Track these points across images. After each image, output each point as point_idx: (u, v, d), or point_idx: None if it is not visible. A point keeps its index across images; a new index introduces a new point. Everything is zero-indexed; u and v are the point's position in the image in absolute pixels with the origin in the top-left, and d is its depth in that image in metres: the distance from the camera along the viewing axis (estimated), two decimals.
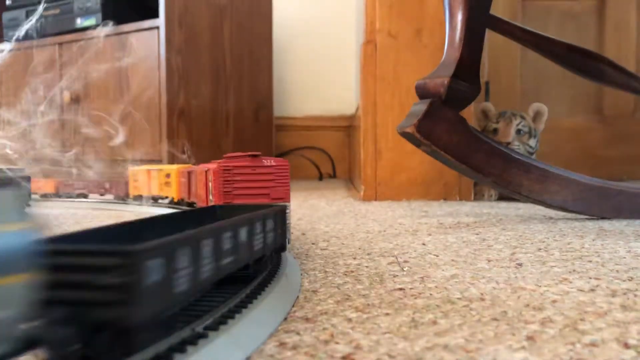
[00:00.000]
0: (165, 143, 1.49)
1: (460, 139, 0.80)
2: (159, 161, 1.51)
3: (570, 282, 0.45)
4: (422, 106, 0.79)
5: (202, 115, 1.58)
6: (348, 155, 2.19)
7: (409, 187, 1.20)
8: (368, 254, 0.58)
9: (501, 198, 1.22)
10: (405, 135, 0.80)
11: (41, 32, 1.76)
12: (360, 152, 1.22)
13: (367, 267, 0.51)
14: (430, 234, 0.71)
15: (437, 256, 0.56)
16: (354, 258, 0.56)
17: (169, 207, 0.99)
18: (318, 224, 0.82)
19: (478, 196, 1.21)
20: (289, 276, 0.42)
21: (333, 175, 2.24)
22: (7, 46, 1.83)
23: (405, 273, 0.49)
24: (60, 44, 1.72)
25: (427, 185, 1.20)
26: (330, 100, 2.26)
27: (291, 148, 2.26)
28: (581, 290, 0.42)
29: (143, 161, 1.54)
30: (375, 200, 1.19)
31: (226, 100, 1.65)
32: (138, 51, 1.55)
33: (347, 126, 2.22)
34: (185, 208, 0.94)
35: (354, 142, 1.76)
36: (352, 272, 0.49)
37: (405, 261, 0.54)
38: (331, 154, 2.25)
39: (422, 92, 0.82)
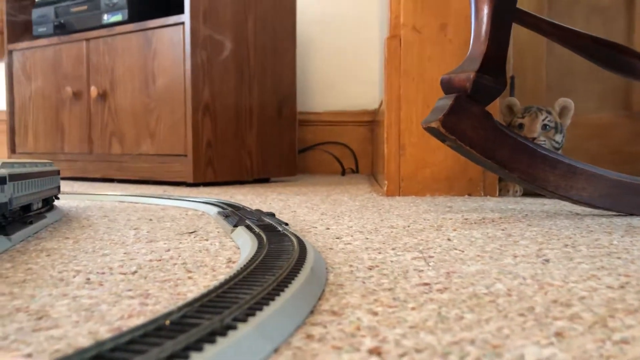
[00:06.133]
0: (191, 138, 1.50)
1: (485, 134, 0.79)
2: (184, 156, 1.52)
3: (599, 279, 0.44)
4: (447, 101, 0.79)
5: (226, 110, 1.59)
6: (371, 150, 2.19)
7: (432, 183, 1.19)
8: (393, 249, 0.58)
9: (526, 194, 1.21)
10: (430, 130, 0.79)
11: (69, 29, 1.79)
12: (384, 147, 1.21)
13: (392, 261, 0.51)
14: (455, 230, 0.71)
15: (463, 251, 0.56)
16: (379, 252, 0.56)
17: (199, 202, 1.00)
18: (342, 219, 0.82)
19: (503, 192, 1.20)
20: (315, 270, 0.43)
21: (356, 171, 2.24)
22: (36, 42, 1.86)
23: (430, 268, 0.49)
24: (88, 40, 1.74)
25: (451, 180, 1.19)
26: (353, 95, 2.26)
27: (314, 143, 2.26)
28: (610, 287, 0.42)
29: (167, 156, 1.56)
30: (399, 195, 1.19)
31: (250, 95, 1.66)
32: (163, 47, 1.56)
33: (370, 121, 2.21)
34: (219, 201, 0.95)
35: (377, 137, 1.75)
36: (377, 266, 0.49)
37: (430, 256, 0.54)
38: (354, 149, 2.24)
39: (448, 87, 0.82)
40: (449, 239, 0.64)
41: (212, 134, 1.55)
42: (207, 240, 0.64)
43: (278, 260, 0.44)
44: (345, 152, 2.25)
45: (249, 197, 1.19)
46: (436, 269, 0.48)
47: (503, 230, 0.70)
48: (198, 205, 0.96)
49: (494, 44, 0.81)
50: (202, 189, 1.43)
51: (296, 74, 1.85)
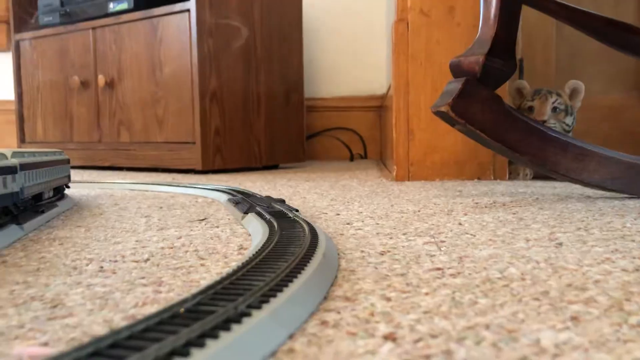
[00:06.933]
0: (199, 125, 1.50)
1: (495, 117, 0.79)
2: (192, 143, 1.52)
3: (613, 262, 0.44)
4: (456, 85, 0.78)
5: (234, 97, 1.58)
6: (379, 135, 2.18)
7: (442, 167, 1.19)
8: (404, 234, 0.57)
9: (536, 177, 1.20)
10: (439, 114, 0.79)
11: (75, 18, 1.78)
12: (392, 132, 1.21)
13: (403, 246, 0.51)
14: (466, 214, 0.70)
15: (474, 236, 0.56)
16: (390, 238, 0.55)
17: (209, 189, 1.00)
18: (352, 204, 0.82)
19: (513, 175, 1.20)
20: (327, 256, 0.42)
21: (364, 156, 2.23)
22: (42, 31, 1.86)
23: (442, 253, 0.48)
24: (94, 28, 1.74)
25: (460, 164, 1.18)
26: (361, 81, 2.24)
27: (322, 129, 2.25)
28: (625, 270, 0.41)
29: (175, 143, 1.56)
30: (408, 180, 1.18)
31: (257, 82, 1.65)
32: (170, 34, 1.55)
33: (378, 106, 2.20)
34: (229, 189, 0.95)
35: (385, 122, 1.74)
36: (388, 251, 0.49)
37: (442, 241, 0.54)
38: (362, 134, 2.24)
39: (457, 71, 0.81)
40: (460, 224, 0.63)
41: (220, 121, 1.55)
42: (218, 227, 0.64)
43: (290, 247, 0.44)
44: (354, 137, 2.24)
45: (258, 184, 1.19)
46: (448, 253, 0.48)
47: (514, 214, 0.70)
48: (208, 192, 0.96)
49: (503, 26, 0.80)
50: (210, 176, 1.43)
51: (303, 60, 1.84)
